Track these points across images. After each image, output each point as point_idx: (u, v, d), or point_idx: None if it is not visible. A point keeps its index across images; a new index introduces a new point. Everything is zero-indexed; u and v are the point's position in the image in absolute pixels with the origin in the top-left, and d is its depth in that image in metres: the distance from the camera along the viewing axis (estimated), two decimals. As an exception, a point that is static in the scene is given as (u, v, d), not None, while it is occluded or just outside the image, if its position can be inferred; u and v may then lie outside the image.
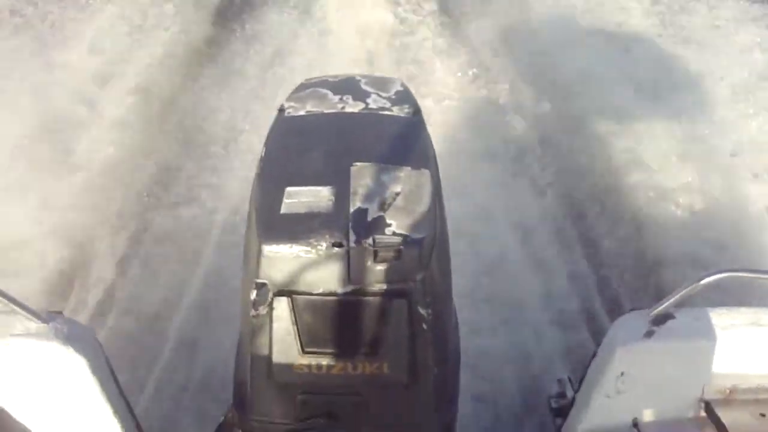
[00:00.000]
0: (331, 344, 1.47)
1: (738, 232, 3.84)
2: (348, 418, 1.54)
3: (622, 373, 1.94)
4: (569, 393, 2.25)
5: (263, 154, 1.71)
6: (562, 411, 2.19)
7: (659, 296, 2.25)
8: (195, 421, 2.84)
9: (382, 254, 1.44)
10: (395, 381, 1.50)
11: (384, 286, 1.45)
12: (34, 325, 1.94)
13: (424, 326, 1.48)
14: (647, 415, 1.99)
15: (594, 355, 2.01)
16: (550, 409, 2.25)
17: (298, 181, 1.58)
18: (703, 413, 1.99)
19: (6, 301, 1.90)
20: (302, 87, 1.98)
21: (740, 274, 1.95)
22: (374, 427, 1.55)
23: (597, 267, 3.83)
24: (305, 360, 1.48)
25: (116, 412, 1.96)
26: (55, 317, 2.00)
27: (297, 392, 1.52)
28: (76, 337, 1.94)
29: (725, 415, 1.94)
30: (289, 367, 1.49)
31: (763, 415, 1.96)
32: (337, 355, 1.48)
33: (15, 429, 1.99)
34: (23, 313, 1.93)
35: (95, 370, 1.92)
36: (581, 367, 2.16)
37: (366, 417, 1.54)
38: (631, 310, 2.05)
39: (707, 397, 1.99)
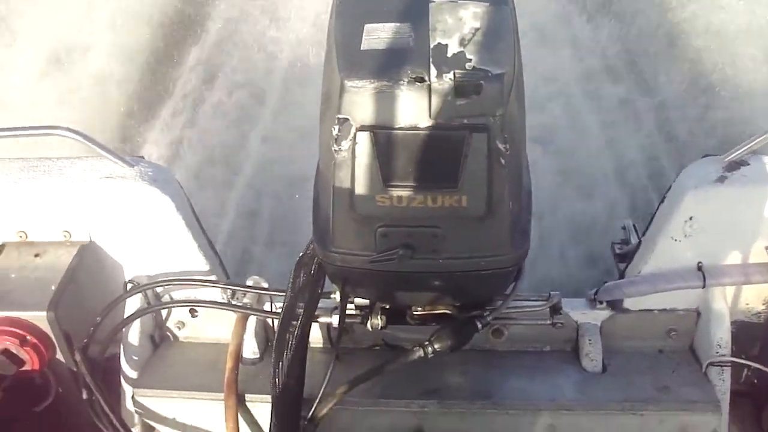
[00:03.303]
0: (412, 178, 1.50)
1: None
2: (425, 250, 1.59)
3: (690, 218, 1.96)
4: (633, 239, 2.29)
5: None
6: (626, 256, 2.24)
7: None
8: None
9: (463, 88, 1.44)
10: (473, 214, 1.54)
11: (464, 121, 1.46)
12: (120, 168, 2.04)
13: (502, 161, 1.50)
14: (712, 260, 2.03)
15: (663, 199, 2.03)
16: (614, 254, 2.31)
17: (377, 18, 1.57)
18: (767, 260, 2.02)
19: (92, 145, 1.99)
20: None
21: None
22: (450, 258, 1.61)
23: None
24: (386, 193, 1.52)
25: (200, 248, 2.09)
26: (139, 161, 2.10)
27: (377, 225, 1.57)
28: (160, 179, 2.04)
29: None
30: (370, 200, 1.53)
31: None
32: (417, 189, 1.51)
33: (108, 263, 2.14)
34: (109, 156, 2.02)
35: (180, 209, 2.03)
36: (645, 215, 2.18)
37: (443, 249, 1.59)
38: (705, 156, 2.03)
39: None
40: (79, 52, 4.64)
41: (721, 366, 2.05)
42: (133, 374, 2.15)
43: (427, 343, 1.81)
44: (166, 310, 2.23)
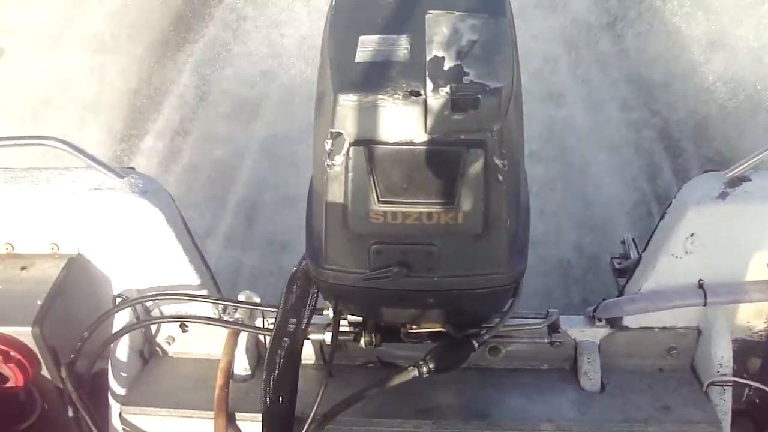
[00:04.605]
0: (407, 194, 1.46)
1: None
2: (420, 268, 1.55)
3: (692, 234, 1.92)
4: (632, 254, 2.25)
5: (333, 2, 1.66)
6: (625, 271, 2.20)
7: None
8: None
9: (459, 103, 1.40)
10: (469, 231, 1.50)
11: (461, 136, 1.43)
12: (110, 180, 2.00)
13: (500, 177, 1.46)
14: (713, 277, 1.99)
15: (663, 215, 1.99)
16: (613, 269, 2.27)
17: (372, 30, 1.53)
18: None
19: (81, 156, 1.95)
20: None
21: None
22: (445, 276, 1.57)
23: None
24: (380, 209, 1.48)
25: (191, 261, 2.05)
26: (129, 172, 2.05)
27: (371, 242, 1.53)
28: (150, 190, 2.00)
29: None
30: (364, 217, 1.49)
31: None
32: (412, 205, 1.47)
33: (97, 276, 2.10)
34: (99, 168, 1.98)
35: (170, 221, 1.99)
36: (646, 229, 2.15)
37: (438, 267, 1.55)
38: (705, 171, 2.00)
39: None
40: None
41: (722, 385, 2.01)
42: (121, 391, 2.10)
43: (422, 362, 1.76)
44: (156, 325, 2.19)
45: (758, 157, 1.87)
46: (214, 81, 4.68)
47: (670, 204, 1.99)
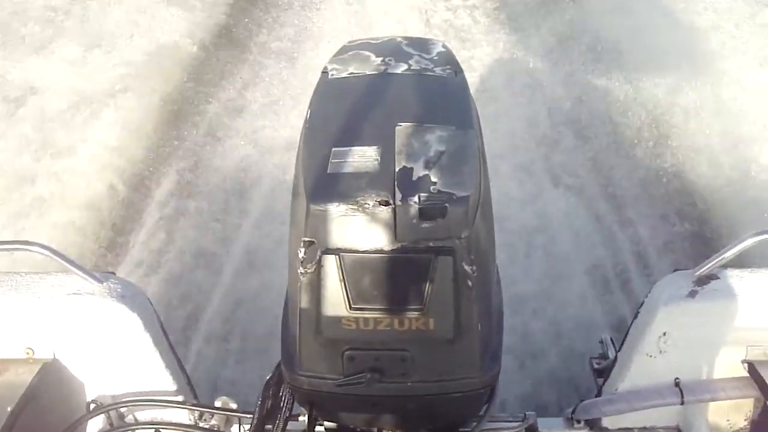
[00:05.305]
0: (378, 301, 1.50)
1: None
2: (394, 373, 1.56)
3: (664, 333, 1.94)
4: (610, 353, 2.26)
5: (308, 116, 1.73)
6: (603, 371, 2.21)
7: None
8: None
9: (427, 212, 1.45)
10: (440, 337, 1.52)
11: (430, 244, 1.47)
12: (89, 284, 2.01)
13: (469, 283, 1.49)
14: (689, 375, 2.00)
15: (636, 315, 2.01)
16: (592, 369, 2.27)
17: (344, 142, 1.60)
18: (746, 374, 1.99)
19: (62, 261, 1.97)
20: (345, 49, 1.99)
21: None
22: (419, 381, 1.58)
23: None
24: (353, 316, 1.51)
25: (168, 366, 2.03)
26: (109, 277, 2.07)
27: (344, 348, 1.55)
28: (128, 295, 2.01)
29: None
30: (337, 324, 1.52)
31: None
32: (383, 312, 1.50)
33: (71, 382, 2.07)
34: (78, 272, 1.99)
35: (147, 326, 1.99)
36: (623, 328, 2.17)
37: (411, 372, 1.56)
38: (675, 270, 2.03)
39: (750, 357, 1.99)
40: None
41: None
42: None
43: None
44: (130, 431, 2.15)
45: (725, 255, 1.92)
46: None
47: (642, 304, 2.02)
